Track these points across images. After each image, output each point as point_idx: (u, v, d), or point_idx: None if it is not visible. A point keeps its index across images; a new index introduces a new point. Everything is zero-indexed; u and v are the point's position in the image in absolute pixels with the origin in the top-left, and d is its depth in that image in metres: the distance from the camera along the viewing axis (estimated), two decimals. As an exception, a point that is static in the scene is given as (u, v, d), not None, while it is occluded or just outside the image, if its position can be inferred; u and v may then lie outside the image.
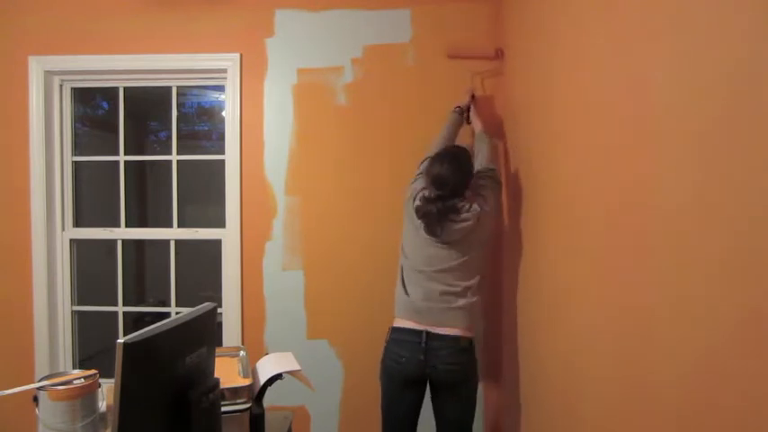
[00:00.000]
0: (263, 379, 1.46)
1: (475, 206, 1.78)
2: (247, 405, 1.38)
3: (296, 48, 2.36)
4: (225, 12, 2.36)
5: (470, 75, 2.30)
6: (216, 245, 2.44)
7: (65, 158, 2.48)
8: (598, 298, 1.16)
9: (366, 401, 2.24)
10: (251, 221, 2.38)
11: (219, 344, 2.37)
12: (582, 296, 1.26)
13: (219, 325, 2.37)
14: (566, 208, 1.40)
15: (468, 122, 2.20)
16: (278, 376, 1.48)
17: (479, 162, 1.95)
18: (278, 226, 2.38)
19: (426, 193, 1.80)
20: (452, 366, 1.72)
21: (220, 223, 2.43)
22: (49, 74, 2.41)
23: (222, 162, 2.42)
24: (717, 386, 0.72)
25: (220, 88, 2.49)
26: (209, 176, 2.59)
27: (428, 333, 1.73)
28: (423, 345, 1.72)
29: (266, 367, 1.52)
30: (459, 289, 1.76)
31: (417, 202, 1.80)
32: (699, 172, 0.76)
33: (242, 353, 1.64)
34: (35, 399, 1.28)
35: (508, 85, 2.15)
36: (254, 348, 2.32)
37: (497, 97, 2.31)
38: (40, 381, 1.32)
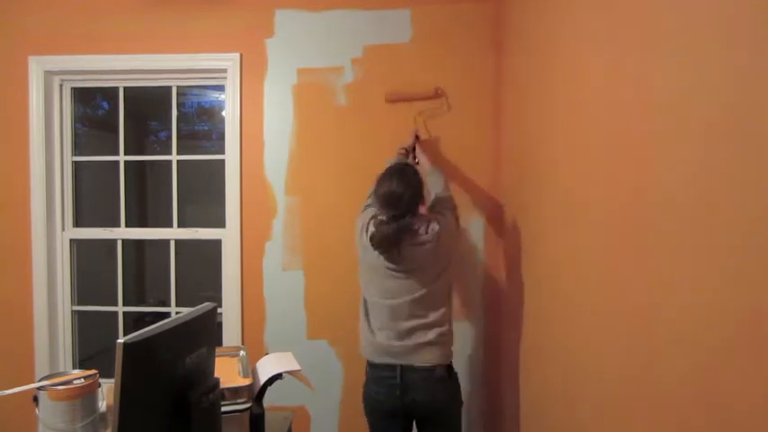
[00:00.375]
0: (263, 379, 1.46)
1: (434, 225, 1.71)
2: (247, 405, 1.38)
3: (296, 48, 2.36)
4: (225, 12, 2.36)
5: (413, 116, 2.29)
6: (216, 245, 2.44)
7: (65, 158, 2.48)
8: (599, 298, 1.16)
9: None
10: (251, 221, 2.38)
11: (219, 344, 2.37)
12: (582, 297, 1.26)
13: (219, 325, 2.37)
14: (566, 208, 1.39)
15: (416, 161, 2.15)
16: (278, 376, 1.48)
17: (435, 192, 1.92)
18: (278, 226, 2.38)
19: (379, 216, 1.72)
20: (431, 398, 1.68)
21: (220, 223, 2.43)
22: (49, 74, 2.41)
23: (222, 162, 2.42)
24: (718, 386, 0.72)
25: (220, 88, 2.49)
26: (209, 176, 2.59)
27: (402, 366, 1.68)
28: (398, 380, 1.68)
29: (266, 367, 1.52)
30: (427, 321, 1.70)
31: (371, 229, 1.71)
32: (700, 172, 0.76)
33: (242, 353, 1.64)
34: (35, 399, 1.28)
35: (508, 84, 2.15)
36: (254, 348, 2.32)
37: (497, 98, 2.31)
38: (40, 381, 1.32)
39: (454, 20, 2.32)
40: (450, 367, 1.75)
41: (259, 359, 1.61)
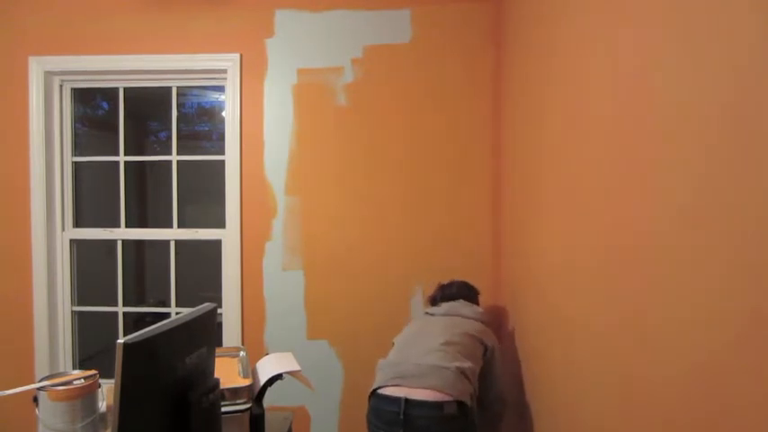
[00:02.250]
0: (263, 379, 1.46)
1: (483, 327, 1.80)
2: (247, 405, 1.37)
3: (296, 48, 2.36)
4: (225, 12, 2.36)
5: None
6: (216, 245, 2.44)
7: (65, 158, 2.48)
8: (599, 298, 1.16)
9: (366, 401, 2.23)
10: (251, 221, 2.38)
11: (219, 344, 2.37)
12: (583, 297, 1.26)
13: (219, 325, 2.37)
14: (567, 209, 1.39)
15: None
16: (278, 376, 1.48)
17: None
18: (278, 226, 2.38)
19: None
20: None
21: (220, 223, 2.43)
22: (49, 74, 2.41)
23: (222, 162, 2.42)
24: (718, 386, 0.72)
25: (220, 88, 2.49)
26: (209, 177, 2.59)
27: (406, 400, 1.45)
28: (401, 416, 1.44)
29: (266, 367, 1.52)
30: (451, 354, 1.57)
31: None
32: (700, 172, 0.76)
33: (242, 353, 1.64)
34: (35, 399, 1.28)
35: (507, 85, 2.15)
36: (254, 348, 2.32)
37: (497, 98, 2.31)
38: (40, 381, 1.32)
39: (454, 20, 2.32)
40: (464, 406, 1.48)
41: (259, 359, 1.61)
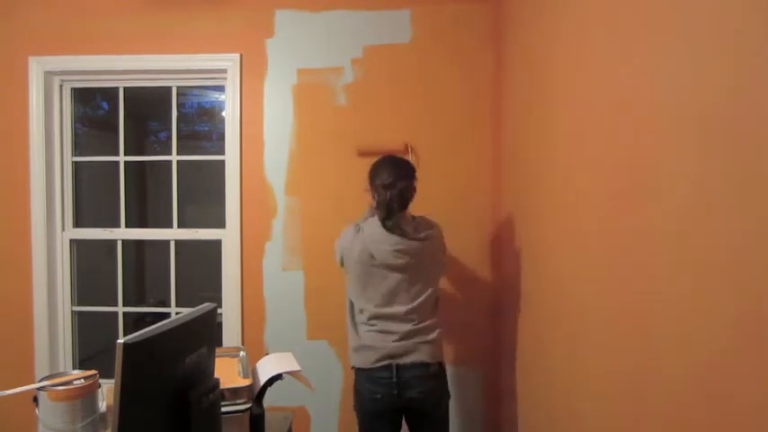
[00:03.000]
0: (263, 379, 1.46)
1: (427, 229, 1.78)
2: (247, 405, 1.37)
3: (296, 48, 2.36)
4: (225, 12, 2.36)
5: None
6: (216, 245, 2.44)
7: (65, 158, 2.48)
8: (599, 297, 1.16)
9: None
10: (251, 221, 2.38)
11: (219, 344, 2.37)
12: (582, 296, 1.26)
13: (219, 325, 2.37)
14: (567, 208, 1.39)
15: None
16: (278, 376, 1.48)
17: None
18: (278, 226, 2.38)
19: (377, 184, 1.79)
20: (425, 394, 1.72)
21: (220, 223, 2.43)
22: (49, 74, 2.41)
23: (222, 162, 2.42)
24: (717, 384, 0.72)
25: (220, 88, 2.49)
26: (210, 177, 2.59)
27: (398, 366, 1.71)
28: (394, 380, 1.70)
29: (266, 367, 1.52)
30: (426, 324, 1.76)
31: (378, 198, 1.77)
32: (699, 171, 0.76)
33: (242, 353, 1.64)
34: (35, 399, 1.28)
35: (507, 85, 2.15)
36: (254, 348, 2.32)
37: (497, 98, 2.31)
38: (40, 381, 1.32)
39: (454, 20, 2.32)
40: (441, 365, 1.79)
41: (259, 359, 1.61)
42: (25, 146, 2.39)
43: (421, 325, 1.74)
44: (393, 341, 1.72)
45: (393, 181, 1.76)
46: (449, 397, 1.83)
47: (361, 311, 1.79)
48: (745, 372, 0.66)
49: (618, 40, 1.06)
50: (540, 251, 1.66)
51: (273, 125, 2.37)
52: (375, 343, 1.74)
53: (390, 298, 1.75)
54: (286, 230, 2.38)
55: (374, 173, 1.83)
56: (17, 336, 2.40)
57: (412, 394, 1.71)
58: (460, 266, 2.33)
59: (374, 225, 1.77)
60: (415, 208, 2.34)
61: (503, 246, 2.24)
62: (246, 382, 1.41)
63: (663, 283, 0.87)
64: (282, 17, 2.36)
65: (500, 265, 2.27)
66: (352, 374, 2.36)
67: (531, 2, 1.76)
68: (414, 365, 1.71)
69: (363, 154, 2.27)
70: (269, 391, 1.47)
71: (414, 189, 1.83)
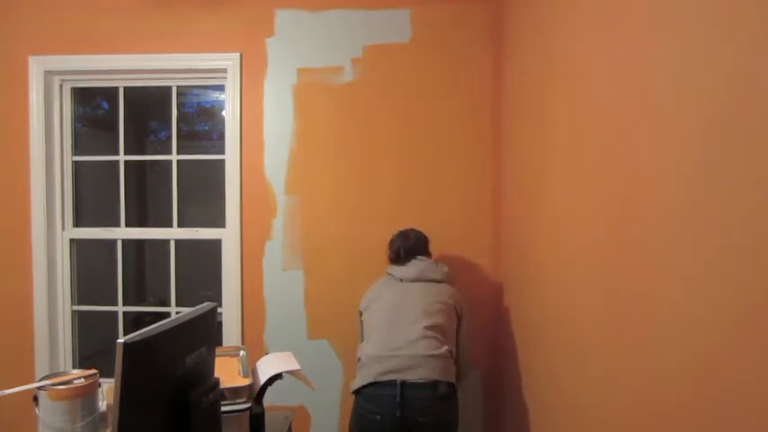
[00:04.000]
0: (263, 379, 1.46)
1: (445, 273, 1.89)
2: (247, 405, 1.37)
3: (296, 48, 2.36)
4: (225, 12, 2.36)
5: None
6: (216, 245, 2.44)
7: (65, 158, 2.48)
8: (599, 298, 1.16)
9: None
10: (251, 221, 2.38)
11: (219, 344, 2.37)
12: (582, 297, 1.26)
13: (219, 325, 2.37)
14: (567, 208, 1.39)
15: None
16: (278, 376, 1.48)
17: None
18: (278, 226, 2.38)
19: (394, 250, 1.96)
20: (433, 418, 1.56)
21: (220, 223, 2.43)
22: (49, 74, 2.41)
23: (222, 162, 2.42)
24: (717, 384, 0.72)
25: (220, 88, 2.49)
26: (210, 176, 2.59)
27: (403, 383, 1.55)
28: (398, 399, 1.55)
29: (266, 367, 1.52)
30: (438, 339, 1.66)
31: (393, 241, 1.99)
32: (698, 172, 0.76)
33: (242, 353, 1.64)
34: (35, 399, 1.28)
35: (506, 85, 2.15)
36: (254, 348, 2.32)
37: (497, 97, 2.31)
38: (40, 381, 1.32)
39: (454, 20, 2.32)
40: (453, 386, 1.66)
41: (259, 359, 1.61)
42: (25, 145, 2.39)
43: (433, 341, 1.64)
44: (400, 352, 1.61)
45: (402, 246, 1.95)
46: (457, 425, 1.66)
47: (367, 341, 1.74)
48: (745, 371, 0.66)
49: (618, 40, 1.06)
50: (541, 255, 1.66)
51: (273, 125, 2.37)
52: (380, 352, 1.64)
53: (401, 310, 1.73)
54: (286, 230, 2.38)
55: (391, 247, 1.99)
56: (17, 335, 2.40)
57: (416, 418, 1.55)
58: (461, 267, 2.33)
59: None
60: (414, 209, 2.35)
61: (502, 246, 2.24)
62: (246, 382, 1.41)
63: (662, 284, 0.87)
64: (282, 17, 2.36)
65: (499, 266, 2.27)
66: (351, 374, 2.37)
67: (531, 2, 1.76)
68: (421, 385, 1.56)
69: None
70: (269, 390, 1.47)
71: (426, 246, 2.01)
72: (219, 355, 1.57)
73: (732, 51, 0.69)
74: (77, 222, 2.53)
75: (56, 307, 2.45)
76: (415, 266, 1.86)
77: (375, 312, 1.78)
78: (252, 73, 2.37)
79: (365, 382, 1.62)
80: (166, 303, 2.55)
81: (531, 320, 1.77)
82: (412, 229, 2.02)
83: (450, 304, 1.78)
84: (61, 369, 2.43)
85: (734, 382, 0.68)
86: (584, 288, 1.24)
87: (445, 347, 1.66)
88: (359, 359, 1.74)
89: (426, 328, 1.67)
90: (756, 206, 0.64)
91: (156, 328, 1.00)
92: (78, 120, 2.59)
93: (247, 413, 1.37)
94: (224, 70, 2.37)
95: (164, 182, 2.61)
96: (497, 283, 2.30)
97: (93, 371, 1.39)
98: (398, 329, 1.68)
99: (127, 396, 0.90)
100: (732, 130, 0.69)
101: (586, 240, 1.23)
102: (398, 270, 1.88)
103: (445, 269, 1.89)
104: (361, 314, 1.88)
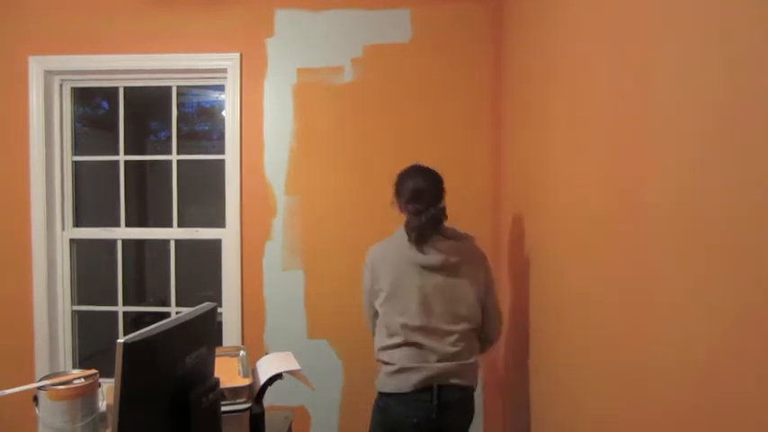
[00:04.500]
0: (263, 379, 1.46)
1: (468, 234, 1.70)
2: (247, 405, 1.37)
3: (296, 48, 2.36)
4: (225, 12, 2.36)
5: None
6: (216, 245, 2.44)
7: (65, 158, 2.48)
8: (599, 298, 1.16)
9: (366, 401, 2.23)
10: (251, 221, 2.38)
11: (219, 344, 2.37)
12: (583, 297, 1.26)
13: (219, 325, 2.37)
14: (567, 207, 1.40)
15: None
16: (278, 376, 1.48)
17: None
18: (278, 226, 2.38)
19: (410, 211, 1.66)
20: (465, 419, 1.65)
21: (220, 223, 2.43)
22: (49, 74, 2.41)
23: (222, 162, 2.42)
24: (717, 384, 0.72)
25: (220, 88, 2.49)
26: (210, 176, 2.59)
27: (440, 386, 1.57)
28: (434, 402, 1.55)
29: (266, 367, 1.52)
30: (468, 346, 1.63)
31: (410, 220, 1.64)
32: (698, 172, 0.76)
33: (242, 353, 1.64)
34: (35, 399, 1.28)
35: (507, 85, 2.15)
36: (254, 348, 2.32)
37: (497, 97, 2.31)
38: (40, 381, 1.32)
39: (454, 20, 2.32)
40: (474, 388, 1.71)
41: (259, 359, 1.61)
42: (25, 145, 2.39)
43: (465, 353, 1.62)
44: (435, 361, 1.58)
45: (426, 206, 1.63)
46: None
47: (392, 335, 1.62)
48: (744, 371, 0.66)
49: (618, 40, 1.06)
50: (541, 255, 1.66)
51: (273, 125, 2.37)
52: (413, 363, 1.58)
53: (426, 308, 1.59)
54: (286, 230, 2.38)
55: (402, 188, 1.73)
56: (17, 335, 2.40)
57: (449, 418, 1.58)
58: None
59: (404, 239, 1.65)
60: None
61: (501, 247, 2.24)
62: (246, 382, 1.41)
63: (663, 284, 0.87)
64: (282, 17, 2.36)
65: (500, 264, 2.27)
66: (351, 374, 2.37)
67: (531, 2, 1.76)
68: (456, 387, 1.59)
69: None
70: (269, 390, 1.47)
71: (442, 195, 1.71)
72: (219, 355, 1.57)
73: (732, 51, 0.69)
74: (77, 222, 2.53)
75: (56, 307, 2.45)
76: (440, 254, 1.62)
77: (398, 307, 1.63)
78: (252, 73, 2.37)
79: (401, 391, 1.58)
80: (166, 303, 2.55)
81: (530, 319, 1.77)
82: (424, 189, 1.69)
83: (477, 304, 1.66)
84: (61, 369, 2.43)
85: (734, 382, 0.68)
86: (585, 287, 1.24)
87: (474, 357, 1.66)
88: (385, 328, 1.64)
89: (457, 335, 1.61)
90: (756, 206, 0.64)
91: (156, 328, 1.00)
92: (78, 120, 2.59)
93: (247, 413, 1.37)
94: (224, 70, 2.37)
95: (164, 182, 2.61)
96: (497, 282, 2.30)
97: (93, 371, 1.39)
98: (426, 333, 1.60)
99: (127, 396, 0.90)
100: (732, 130, 0.69)
101: (586, 240, 1.23)
102: (422, 257, 1.63)
103: (470, 247, 1.71)
104: (370, 292, 1.74)
